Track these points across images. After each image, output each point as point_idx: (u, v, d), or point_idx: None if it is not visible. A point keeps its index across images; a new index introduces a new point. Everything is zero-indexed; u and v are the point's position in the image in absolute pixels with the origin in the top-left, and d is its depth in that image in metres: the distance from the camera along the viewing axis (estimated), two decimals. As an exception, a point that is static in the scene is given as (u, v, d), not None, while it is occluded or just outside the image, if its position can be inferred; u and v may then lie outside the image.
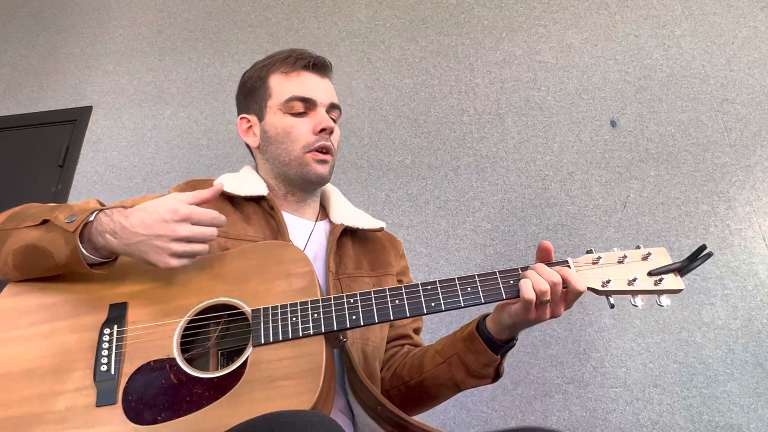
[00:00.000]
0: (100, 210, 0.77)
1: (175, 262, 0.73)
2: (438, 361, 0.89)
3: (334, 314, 0.74)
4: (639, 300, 0.75)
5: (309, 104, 0.98)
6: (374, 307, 0.75)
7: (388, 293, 0.76)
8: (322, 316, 0.74)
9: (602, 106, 1.98)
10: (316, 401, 0.66)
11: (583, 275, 0.77)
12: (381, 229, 1.05)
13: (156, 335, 0.76)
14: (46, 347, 0.77)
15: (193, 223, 0.73)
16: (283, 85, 1.00)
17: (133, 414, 0.70)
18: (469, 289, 0.76)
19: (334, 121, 1.02)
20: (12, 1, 3.04)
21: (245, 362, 0.71)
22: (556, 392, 1.59)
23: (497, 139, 2.01)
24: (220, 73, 2.48)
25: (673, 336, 1.60)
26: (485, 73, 2.15)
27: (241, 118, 1.06)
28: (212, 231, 0.75)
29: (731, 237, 1.69)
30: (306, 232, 0.99)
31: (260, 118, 1.02)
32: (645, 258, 0.77)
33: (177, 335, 0.75)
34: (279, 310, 0.74)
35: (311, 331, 0.72)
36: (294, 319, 0.73)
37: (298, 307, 0.75)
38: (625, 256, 0.77)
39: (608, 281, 0.75)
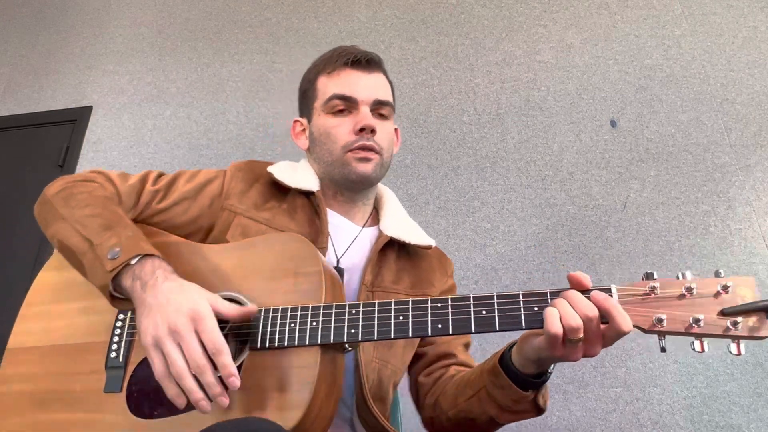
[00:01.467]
0: (146, 255, 0.73)
1: (157, 361, 0.64)
2: (469, 393, 0.80)
3: (332, 325, 0.69)
4: (705, 344, 0.59)
5: (350, 102, 0.93)
6: (375, 322, 0.69)
7: (393, 307, 0.69)
8: (320, 325, 0.69)
9: (602, 106, 1.98)
10: (302, 418, 0.63)
11: (629, 308, 0.62)
12: (430, 247, 0.99)
13: None
14: (72, 326, 0.80)
15: (199, 338, 0.64)
16: (326, 86, 0.96)
17: (134, 405, 0.71)
18: (484, 312, 0.65)
19: (385, 117, 0.97)
20: (12, 1, 3.04)
21: (240, 365, 0.69)
22: (556, 392, 1.59)
23: (497, 139, 2.01)
24: (220, 73, 2.48)
25: (673, 336, 1.60)
26: (485, 73, 2.15)
27: (294, 122, 1.04)
28: (207, 374, 0.62)
29: (731, 237, 1.69)
30: (350, 236, 0.95)
31: (309, 121, 1.00)
32: (721, 292, 0.58)
33: None
34: (279, 314, 0.71)
35: (307, 341, 0.68)
36: (292, 325, 0.69)
37: (298, 313, 0.70)
38: (690, 288, 0.59)
39: (661, 320, 0.60)
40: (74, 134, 2.52)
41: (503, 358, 0.74)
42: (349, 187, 0.96)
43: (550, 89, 2.05)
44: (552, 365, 0.72)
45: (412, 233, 0.97)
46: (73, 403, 0.74)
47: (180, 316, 0.64)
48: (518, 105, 2.05)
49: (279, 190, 0.95)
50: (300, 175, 0.96)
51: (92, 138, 2.48)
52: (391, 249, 0.96)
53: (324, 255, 0.86)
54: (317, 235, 0.89)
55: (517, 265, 1.79)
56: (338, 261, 0.91)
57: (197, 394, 0.62)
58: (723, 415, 1.49)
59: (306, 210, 0.93)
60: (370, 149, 0.91)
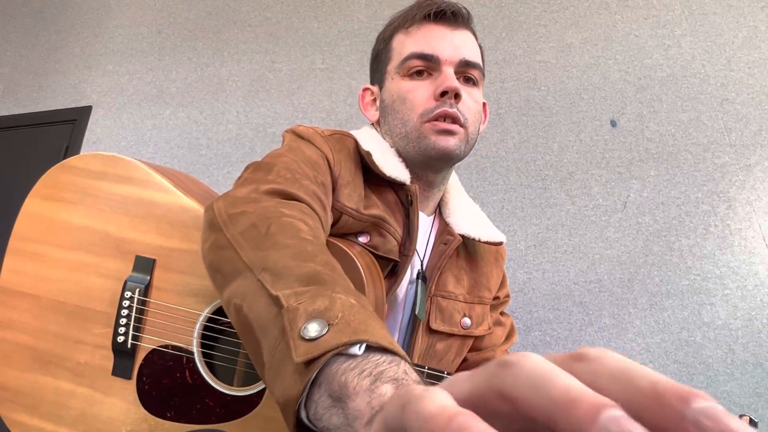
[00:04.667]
0: (382, 349, 0.36)
1: None
2: None
3: None
4: None
5: (430, 62, 0.76)
6: None
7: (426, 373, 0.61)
8: None
9: (602, 106, 1.98)
10: None
11: None
12: (500, 244, 0.84)
13: (178, 317, 0.71)
14: (72, 281, 0.75)
15: None
16: (403, 44, 0.79)
17: (146, 398, 0.69)
18: None
19: (473, 83, 0.81)
20: (12, 1, 3.04)
21: (263, 391, 0.65)
22: (556, 392, 1.59)
23: (497, 139, 2.01)
24: (220, 73, 2.48)
25: (673, 336, 1.60)
26: (485, 72, 2.15)
27: (364, 90, 0.88)
28: None
29: (731, 237, 1.69)
30: (425, 232, 0.81)
31: (381, 88, 0.84)
32: None
33: (199, 326, 0.69)
34: None
35: None
36: None
37: None
38: None
39: None
40: (74, 134, 2.52)
41: None
42: (429, 165, 0.79)
43: (550, 89, 2.05)
44: None
45: (482, 228, 0.83)
46: (77, 375, 0.71)
47: None
48: (518, 105, 2.05)
49: (360, 169, 0.77)
50: (389, 159, 0.77)
51: (92, 138, 2.48)
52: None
53: (407, 264, 0.75)
54: (406, 241, 0.75)
55: (517, 265, 1.79)
56: (422, 265, 0.79)
57: None
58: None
59: (399, 206, 0.78)
60: (453, 119, 0.75)
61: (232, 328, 0.70)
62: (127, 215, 0.76)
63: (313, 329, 0.36)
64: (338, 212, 0.71)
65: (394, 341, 0.38)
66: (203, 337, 0.71)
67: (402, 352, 0.37)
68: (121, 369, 0.71)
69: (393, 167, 0.76)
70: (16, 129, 2.67)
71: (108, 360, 0.72)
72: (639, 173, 1.84)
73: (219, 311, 0.72)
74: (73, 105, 2.61)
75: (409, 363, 0.36)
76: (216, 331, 0.72)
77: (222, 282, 0.50)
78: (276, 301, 0.41)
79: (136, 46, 2.67)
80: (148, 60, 2.61)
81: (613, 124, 1.94)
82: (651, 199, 1.80)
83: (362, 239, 0.73)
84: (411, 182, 0.77)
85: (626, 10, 2.12)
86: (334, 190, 0.72)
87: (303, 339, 0.36)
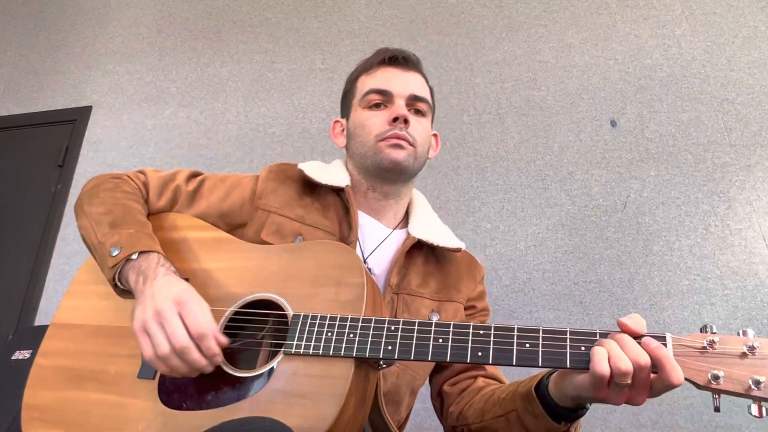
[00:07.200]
0: (149, 252, 0.78)
1: (144, 344, 0.67)
2: (498, 412, 0.79)
3: (370, 339, 0.67)
4: (764, 409, 0.56)
5: (385, 96, 0.96)
6: (414, 341, 0.67)
7: (433, 328, 0.67)
8: (357, 338, 0.68)
9: (602, 106, 1.98)
10: (329, 430, 0.62)
11: (683, 361, 0.58)
12: (459, 250, 0.97)
13: None
14: (115, 309, 0.82)
15: (184, 322, 0.66)
16: (364, 83, 1.00)
17: (164, 394, 0.72)
18: (527, 345, 0.63)
19: (422, 114, 0.99)
20: (12, 1, 3.05)
21: (272, 370, 0.69)
22: (556, 392, 1.59)
23: (497, 139, 2.01)
24: (220, 73, 2.48)
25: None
26: (485, 73, 2.15)
27: (334, 123, 1.07)
28: (184, 343, 0.65)
29: (731, 237, 1.69)
30: (379, 238, 0.95)
31: (347, 119, 1.03)
32: None
33: (221, 324, 0.75)
34: (318, 321, 0.70)
35: (342, 353, 0.67)
36: (329, 334, 0.68)
37: (337, 322, 0.69)
38: (753, 348, 0.55)
39: (718, 377, 0.56)
40: (74, 134, 2.52)
41: (539, 386, 0.72)
42: (382, 176, 0.96)
43: (550, 89, 2.05)
44: (590, 403, 0.67)
45: (440, 235, 0.97)
46: (108, 384, 0.75)
47: (165, 300, 0.68)
48: (518, 105, 2.05)
49: (311, 189, 0.97)
50: (332, 172, 0.97)
51: (92, 138, 2.49)
52: (419, 252, 0.95)
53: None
54: (347, 234, 0.91)
55: (517, 265, 1.79)
56: (365, 261, 0.91)
57: (183, 369, 0.66)
58: (723, 415, 1.49)
59: (337, 207, 0.95)
60: (404, 139, 0.93)
61: (254, 322, 0.77)
62: (170, 252, 0.85)
63: (114, 251, 0.78)
64: (265, 212, 0.92)
65: (151, 243, 0.80)
66: (227, 327, 0.76)
67: (156, 247, 0.81)
68: (146, 370, 0.75)
69: (329, 177, 0.95)
70: (16, 129, 2.67)
71: (136, 366, 0.75)
72: (639, 173, 1.84)
73: (243, 306, 0.77)
74: (73, 105, 2.61)
75: (162, 254, 0.79)
76: (240, 323, 0.77)
77: (76, 218, 0.90)
78: (98, 238, 0.81)
79: (136, 46, 2.67)
80: (148, 60, 2.61)
81: (613, 124, 1.94)
82: (651, 199, 1.80)
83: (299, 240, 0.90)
84: (347, 187, 0.94)
85: (626, 10, 2.12)
86: (257, 199, 0.94)
87: (111, 256, 0.78)
